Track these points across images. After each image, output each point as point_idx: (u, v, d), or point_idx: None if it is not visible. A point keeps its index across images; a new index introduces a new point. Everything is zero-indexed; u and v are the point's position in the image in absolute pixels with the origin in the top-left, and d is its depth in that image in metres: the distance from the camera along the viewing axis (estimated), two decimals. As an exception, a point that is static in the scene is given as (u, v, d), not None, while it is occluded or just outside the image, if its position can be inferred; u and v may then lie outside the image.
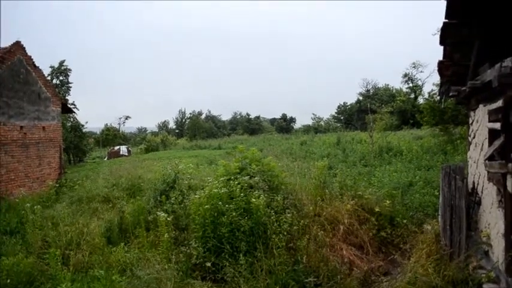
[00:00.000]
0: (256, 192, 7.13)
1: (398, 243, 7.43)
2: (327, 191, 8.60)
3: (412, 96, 51.20)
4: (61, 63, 33.25)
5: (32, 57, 15.38)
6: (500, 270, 4.69)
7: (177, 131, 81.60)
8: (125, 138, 67.02)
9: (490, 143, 5.27)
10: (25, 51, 15.14)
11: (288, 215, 6.89)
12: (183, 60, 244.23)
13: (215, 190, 7.07)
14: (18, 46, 14.85)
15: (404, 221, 7.80)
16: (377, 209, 7.86)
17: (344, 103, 73.02)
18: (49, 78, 29.57)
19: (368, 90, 68.54)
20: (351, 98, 77.97)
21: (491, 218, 5.23)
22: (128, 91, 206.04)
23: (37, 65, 15.61)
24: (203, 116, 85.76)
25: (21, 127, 14.68)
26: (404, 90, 55.13)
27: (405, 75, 53.59)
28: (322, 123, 71.23)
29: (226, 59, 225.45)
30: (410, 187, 10.35)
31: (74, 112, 25.37)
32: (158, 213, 7.57)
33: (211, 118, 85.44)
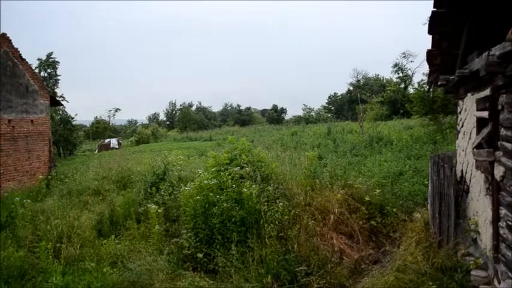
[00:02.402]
0: (248, 182, 7.18)
1: (388, 231, 7.49)
2: (317, 180, 8.63)
3: (403, 86, 51.39)
4: (49, 55, 32.64)
5: (19, 50, 15.10)
6: (488, 257, 4.75)
7: (167, 123, 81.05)
8: (115, 131, 66.46)
9: (478, 132, 5.30)
10: (11, 43, 14.84)
11: (280, 204, 6.94)
12: (173, 52, 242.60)
13: (205, 181, 7.11)
14: (3, 38, 14.54)
15: (394, 209, 7.86)
16: (367, 198, 7.90)
17: (335, 93, 73.08)
18: (37, 70, 29.11)
19: (358, 81, 68.63)
20: (342, 89, 78.29)
21: (479, 205, 5.29)
22: (118, 83, 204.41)
23: (24, 57, 15.35)
24: (194, 108, 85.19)
25: (9, 120, 14.45)
26: (395, 80, 55.35)
27: (395, 65, 53.78)
28: (313, 114, 71.29)
29: (215, 52, 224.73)
30: (400, 176, 10.43)
31: (63, 105, 25.05)
32: (149, 205, 7.63)
33: (201, 110, 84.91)
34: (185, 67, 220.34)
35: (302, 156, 10.36)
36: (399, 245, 6.58)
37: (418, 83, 29.20)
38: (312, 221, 6.97)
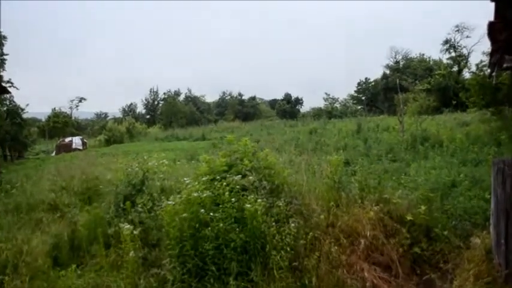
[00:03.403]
0: (252, 195, 7.11)
1: (437, 261, 7.41)
2: (343, 193, 8.55)
3: (455, 69, 51.37)
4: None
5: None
6: None
7: (147, 116, 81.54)
8: (78, 127, 66.96)
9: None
10: None
11: (293, 225, 6.88)
12: (153, 28, 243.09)
13: (195, 194, 7.03)
14: None
15: (445, 232, 7.76)
16: (409, 217, 7.81)
17: (366, 79, 73.10)
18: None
19: (397, 62, 68.62)
20: (375, 73, 78.06)
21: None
22: (83, 65, 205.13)
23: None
24: (181, 97, 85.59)
25: None
26: (445, 61, 55.37)
27: (446, 41, 53.73)
28: (338, 106, 71.49)
29: (209, 26, 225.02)
30: (453, 188, 10.32)
31: (10, 92, 25.12)
32: (121, 224, 7.50)
33: (192, 100, 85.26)
34: (170, 43, 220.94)
35: (323, 161, 10.33)
36: (452, 280, 6.51)
37: (477, 65, 29.04)
38: (336, 247, 6.91)
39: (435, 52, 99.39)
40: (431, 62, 62.71)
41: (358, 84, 73.68)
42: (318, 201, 8.24)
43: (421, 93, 46.03)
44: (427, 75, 55.55)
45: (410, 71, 63.31)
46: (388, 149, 17.17)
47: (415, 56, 68.24)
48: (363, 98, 71.81)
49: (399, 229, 7.70)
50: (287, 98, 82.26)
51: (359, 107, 68.33)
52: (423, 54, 67.05)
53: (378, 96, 67.18)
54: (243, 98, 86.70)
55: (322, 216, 7.66)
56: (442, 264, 7.34)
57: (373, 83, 71.16)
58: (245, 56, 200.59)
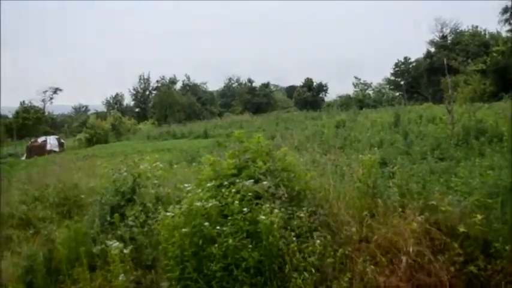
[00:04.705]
0: (267, 205, 7.07)
1: (498, 283, 7.34)
2: (379, 200, 8.45)
3: (518, 44, 50.73)
4: None
5: None
6: None
7: (137, 110, 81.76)
8: (53, 124, 67.38)
9: None
10: None
11: (318, 240, 6.87)
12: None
13: (198, 203, 7.04)
14: None
15: (507, 247, 7.68)
16: (462, 229, 7.69)
17: (405, 59, 72.72)
18: None
19: (444, 37, 68.08)
20: (417, 51, 77.34)
21: None
22: (56, 49, 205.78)
23: None
24: (178, 86, 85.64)
25: None
26: (504, 34, 54.69)
27: (506, 9, 53.08)
28: (371, 93, 71.15)
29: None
30: (516, 193, 10.24)
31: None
32: (108, 242, 7.48)
33: (191, 88, 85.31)
34: (164, 20, 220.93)
35: (354, 161, 10.30)
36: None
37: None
38: (372, 267, 6.88)
39: (492, 24, 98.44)
40: (487, 36, 62.17)
41: (396, 65, 73.31)
42: (349, 210, 8.18)
43: (474, 75, 45.76)
44: (481, 53, 55.17)
45: (461, 47, 62.82)
46: (434, 145, 17.12)
47: (466, 29, 67.77)
48: (402, 82, 71.49)
49: (449, 243, 7.58)
50: (308, 84, 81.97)
51: (397, 94, 68.01)
52: (476, 27, 66.48)
53: (420, 79, 66.83)
54: (254, 85, 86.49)
55: (353, 229, 7.59)
56: (504, 286, 7.33)
57: (414, 64, 70.83)
58: (256, 35, 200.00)
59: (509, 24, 52.71)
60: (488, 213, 8.40)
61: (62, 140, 44.01)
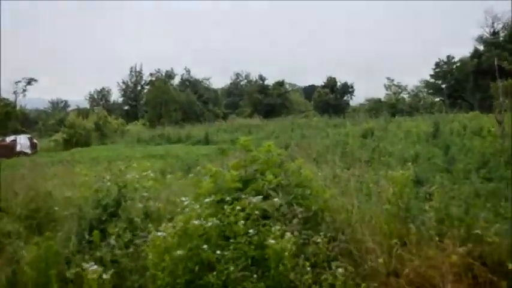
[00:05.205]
0: (278, 226, 6.98)
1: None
2: (412, 226, 8.18)
3: None
4: None
5: None
6: None
7: (126, 107, 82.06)
8: (25, 121, 67.77)
9: None
10: None
11: (339, 270, 6.62)
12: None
13: (196, 222, 6.93)
14: None
15: None
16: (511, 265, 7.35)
17: (448, 58, 72.48)
18: None
19: (496, 33, 67.70)
20: (462, 49, 76.82)
21: None
22: (31, 35, 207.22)
23: None
24: (176, 80, 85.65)
25: None
26: None
27: None
28: (406, 97, 71.26)
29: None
30: None
31: None
32: (85, 264, 7.28)
33: (191, 84, 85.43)
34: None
35: (383, 178, 10.09)
36: None
37: None
38: (402, 307, 6.43)
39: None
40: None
41: (437, 65, 73.27)
42: (375, 236, 7.93)
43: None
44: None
45: (516, 44, 62.83)
46: (480, 162, 17.10)
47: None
48: (443, 86, 71.46)
49: (496, 282, 7.37)
50: (330, 84, 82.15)
51: (437, 99, 68.18)
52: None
53: (465, 83, 66.81)
54: (266, 83, 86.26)
55: (380, 260, 7.38)
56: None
57: (458, 64, 70.76)
58: (269, 26, 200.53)
59: None
60: (544, 246, 8.05)
61: (35, 140, 44.08)
